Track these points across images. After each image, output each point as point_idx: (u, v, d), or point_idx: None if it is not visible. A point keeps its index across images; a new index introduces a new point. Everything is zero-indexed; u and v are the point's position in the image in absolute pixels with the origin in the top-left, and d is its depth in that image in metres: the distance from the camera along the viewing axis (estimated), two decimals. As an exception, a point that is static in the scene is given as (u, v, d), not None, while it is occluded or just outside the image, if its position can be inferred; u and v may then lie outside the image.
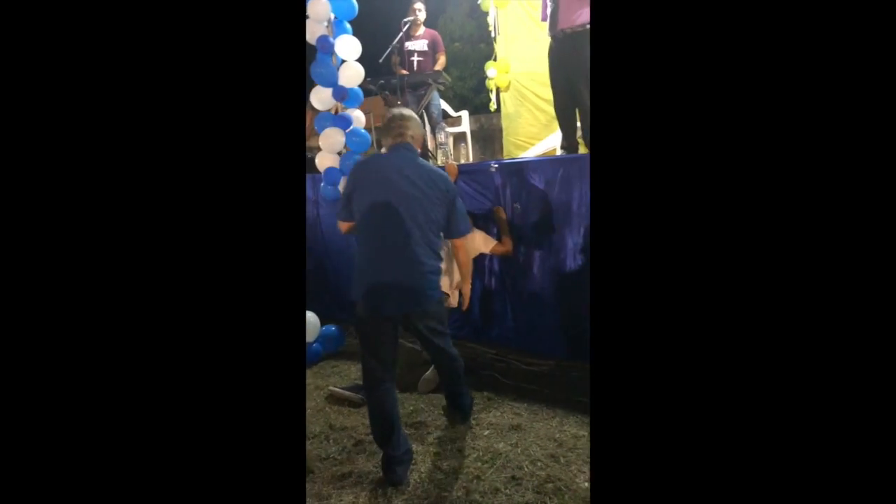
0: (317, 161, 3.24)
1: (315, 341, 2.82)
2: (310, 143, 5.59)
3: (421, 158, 1.83)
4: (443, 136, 3.15)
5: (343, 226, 1.85)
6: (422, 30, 3.94)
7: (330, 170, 3.16)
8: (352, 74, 3.13)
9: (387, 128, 1.86)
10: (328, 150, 3.18)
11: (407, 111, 1.89)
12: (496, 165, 2.77)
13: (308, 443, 1.98)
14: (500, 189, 2.71)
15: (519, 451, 1.83)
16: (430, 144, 3.87)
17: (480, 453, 1.84)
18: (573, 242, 2.54)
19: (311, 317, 2.83)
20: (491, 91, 5.24)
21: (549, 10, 2.73)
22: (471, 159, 4.55)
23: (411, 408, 2.22)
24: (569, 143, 3.02)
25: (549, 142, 4.70)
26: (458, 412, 2.08)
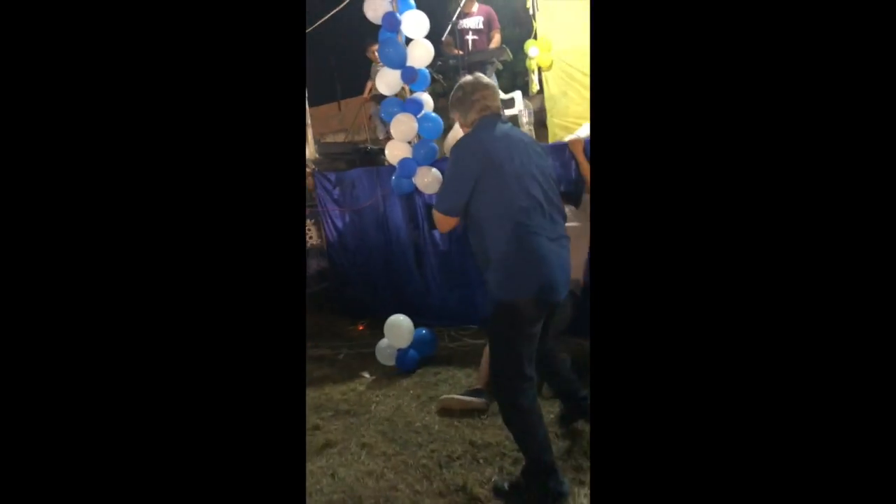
0: (387, 152, 2.97)
1: (410, 347, 2.57)
2: (360, 136, 5.30)
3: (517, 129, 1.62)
4: (526, 116, 2.90)
5: (447, 222, 1.55)
6: (476, 6, 3.67)
7: (405, 161, 2.89)
8: (421, 54, 2.87)
9: (465, 100, 1.60)
10: (400, 138, 2.91)
11: (484, 78, 1.64)
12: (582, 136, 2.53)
13: (455, 468, 1.73)
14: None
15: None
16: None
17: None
18: None
19: (404, 320, 2.58)
20: (532, 72, 4.97)
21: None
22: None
23: (552, 415, 1.98)
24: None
25: (601, 120, 4.47)
26: (580, 413, 1.83)
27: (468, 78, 1.64)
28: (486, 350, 2.22)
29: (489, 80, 1.64)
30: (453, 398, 2.13)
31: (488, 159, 1.46)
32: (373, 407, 2.26)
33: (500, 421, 1.98)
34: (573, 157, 2.50)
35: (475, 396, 2.09)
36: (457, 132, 3.23)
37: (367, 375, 2.60)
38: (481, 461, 1.75)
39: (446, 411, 2.10)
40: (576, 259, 2.28)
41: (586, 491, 1.53)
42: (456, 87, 1.65)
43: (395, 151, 2.94)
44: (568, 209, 2.34)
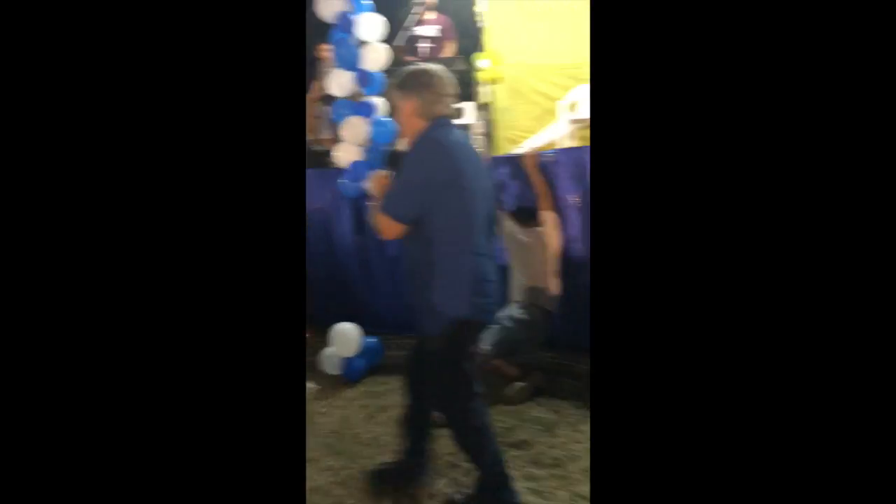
0: (337, 154, 2.89)
1: (357, 356, 2.49)
2: (310, 135, 5.13)
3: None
4: (481, 127, 2.93)
5: (395, 229, 1.39)
6: (433, 14, 3.68)
7: (357, 164, 2.82)
8: (376, 57, 2.82)
9: (434, 90, 1.39)
10: (352, 141, 2.85)
11: (446, 71, 1.45)
12: (552, 155, 2.60)
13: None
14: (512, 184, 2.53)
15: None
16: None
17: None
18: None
19: (351, 329, 2.50)
20: (482, 83, 5.05)
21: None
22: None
23: (504, 425, 1.98)
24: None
25: (547, 134, 4.60)
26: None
27: (437, 67, 1.46)
28: (498, 363, 2.18)
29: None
30: (519, 388, 2.13)
31: (452, 167, 1.35)
32: (317, 419, 2.16)
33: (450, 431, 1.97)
34: (525, 171, 2.54)
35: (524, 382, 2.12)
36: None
37: (310, 385, 2.48)
38: (432, 473, 1.71)
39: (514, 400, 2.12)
40: (532, 270, 2.32)
41: (539, 501, 1.53)
42: (420, 70, 1.43)
43: (346, 154, 2.87)
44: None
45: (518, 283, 2.34)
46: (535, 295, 2.28)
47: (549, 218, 2.41)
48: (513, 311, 2.27)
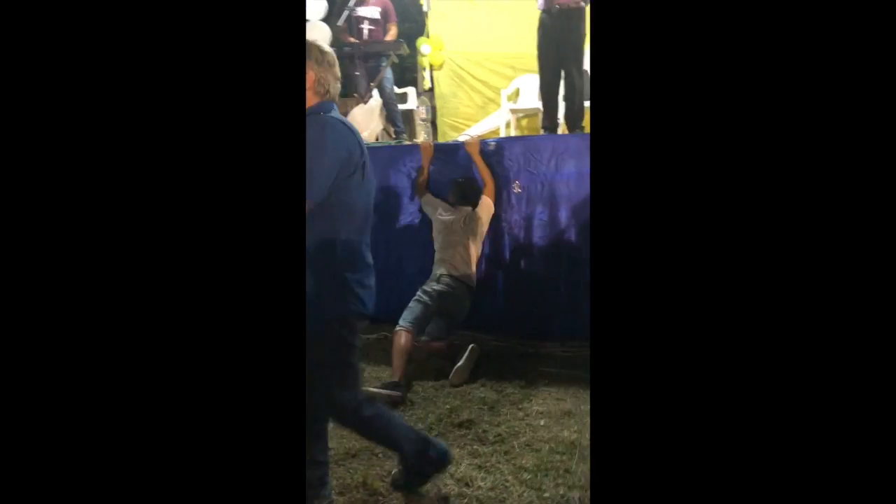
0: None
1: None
2: None
3: None
4: (424, 112, 2.93)
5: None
6: (373, -5, 3.60)
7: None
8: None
9: (332, 70, 1.30)
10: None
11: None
12: (494, 144, 2.65)
13: (353, 464, 1.70)
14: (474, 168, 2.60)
15: (587, 437, 1.78)
16: (380, 122, 3.59)
17: (553, 445, 1.74)
18: (566, 219, 2.55)
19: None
20: (424, 69, 5.03)
21: (543, -17, 2.66)
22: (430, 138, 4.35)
23: (448, 406, 2.04)
24: (551, 123, 3.00)
25: (489, 122, 4.67)
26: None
27: (327, 46, 1.34)
28: (407, 340, 2.21)
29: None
30: (368, 391, 2.09)
31: (358, 150, 1.28)
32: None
33: (398, 414, 1.99)
34: (470, 158, 2.59)
35: (391, 389, 2.09)
36: (353, 120, 3.15)
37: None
38: (380, 455, 1.73)
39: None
40: (465, 252, 2.41)
41: (483, 475, 1.60)
42: (318, 47, 1.31)
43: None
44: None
45: (438, 258, 2.45)
46: (453, 269, 2.39)
47: (484, 202, 2.49)
48: (430, 285, 2.38)
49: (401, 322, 2.26)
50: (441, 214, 2.50)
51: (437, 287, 2.36)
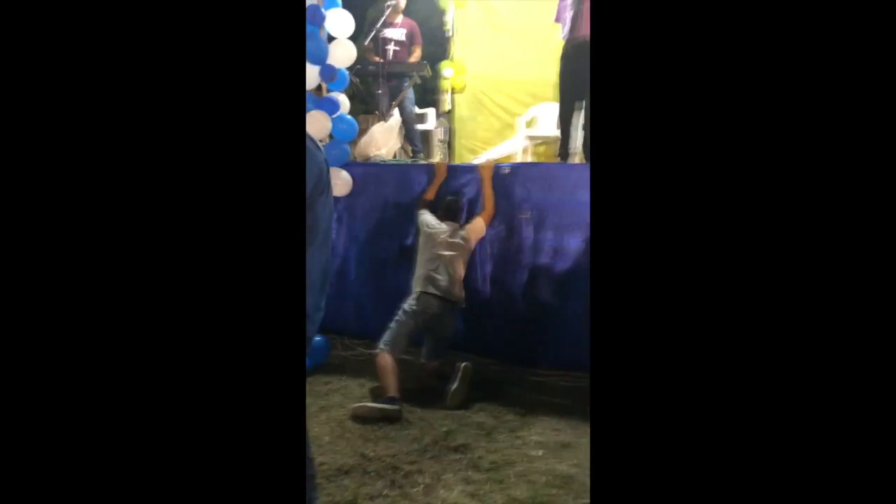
0: (295, 147, 2.84)
1: (301, 354, 2.45)
2: None
3: None
4: (442, 133, 2.96)
5: None
6: (401, 17, 3.69)
7: (314, 158, 2.78)
8: (343, 54, 2.80)
9: None
10: (313, 135, 2.80)
11: None
12: (508, 169, 2.67)
13: (344, 481, 1.68)
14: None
15: (585, 472, 1.74)
16: (398, 141, 3.64)
17: (550, 478, 1.71)
18: (575, 247, 2.55)
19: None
20: (445, 91, 5.11)
21: (567, 14, 2.70)
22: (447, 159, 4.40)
23: (444, 429, 2.01)
24: (566, 151, 3.02)
25: (505, 147, 4.71)
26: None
27: None
28: (388, 360, 2.20)
29: None
30: (366, 406, 2.10)
31: (326, 169, 1.17)
32: (255, 416, 2.10)
33: (392, 433, 1.97)
34: (480, 179, 2.61)
35: (388, 404, 2.08)
36: (372, 137, 3.20)
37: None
38: (372, 474, 1.71)
39: (360, 419, 2.05)
40: (447, 269, 2.39)
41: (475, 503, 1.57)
42: None
43: (305, 148, 2.82)
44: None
45: (417, 274, 2.44)
46: (430, 285, 2.37)
47: (475, 222, 2.52)
48: (408, 303, 2.38)
49: (380, 345, 2.27)
50: (428, 227, 2.49)
51: (413, 306, 2.34)
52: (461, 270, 2.45)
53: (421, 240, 2.51)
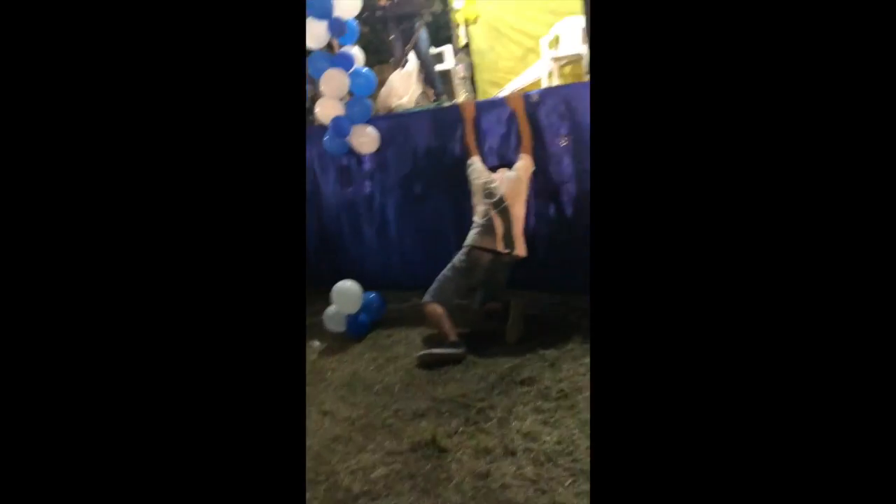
0: (317, 110, 2.81)
1: (360, 312, 2.53)
2: None
3: None
4: (463, 71, 2.85)
5: None
6: (402, -49, 3.48)
7: (338, 119, 2.75)
8: (349, 3, 2.69)
9: None
10: (332, 95, 2.76)
11: None
12: (537, 96, 2.55)
13: (421, 423, 1.76)
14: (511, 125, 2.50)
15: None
16: (418, 86, 3.52)
17: (619, 398, 1.72)
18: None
19: (351, 285, 2.52)
20: (458, 25, 4.86)
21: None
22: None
23: (508, 365, 2.05)
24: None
25: (530, 74, 4.48)
26: None
27: None
28: (436, 308, 2.24)
29: None
30: (431, 353, 2.18)
31: None
32: (328, 374, 2.22)
33: (459, 375, 2.04)
34: (514, 113, 2.50)
35: (451, 348, 2.16)
36: (391, 86, 3.11)
37: (316, 344, 2.53)
38: (446, 414, 1.79)
39: (426, 365, 2.14)
40: (500, 220, 2.32)
41: (549, 430, 1.61)
42: None
43: (327, 110, 2.79)
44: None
45: (473, 226, 2.36)
46: (480, 239, 2.30)
47: (524, 161, 2.39)
48: (457, 258, 2.34)
49: (426, 297, 2.30)
50: (477, 176, 2.41)
51: (463, 262, 2.31)
52: (521, 214, 2.35)
53: (473, 191, 2.42)
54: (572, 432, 1.59)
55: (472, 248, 2.32)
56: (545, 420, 1.67)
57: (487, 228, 2.30)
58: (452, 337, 2.18)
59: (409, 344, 2.37)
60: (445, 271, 2.34)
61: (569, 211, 2.58)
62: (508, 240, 2.32)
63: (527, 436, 1.60)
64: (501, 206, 2.31)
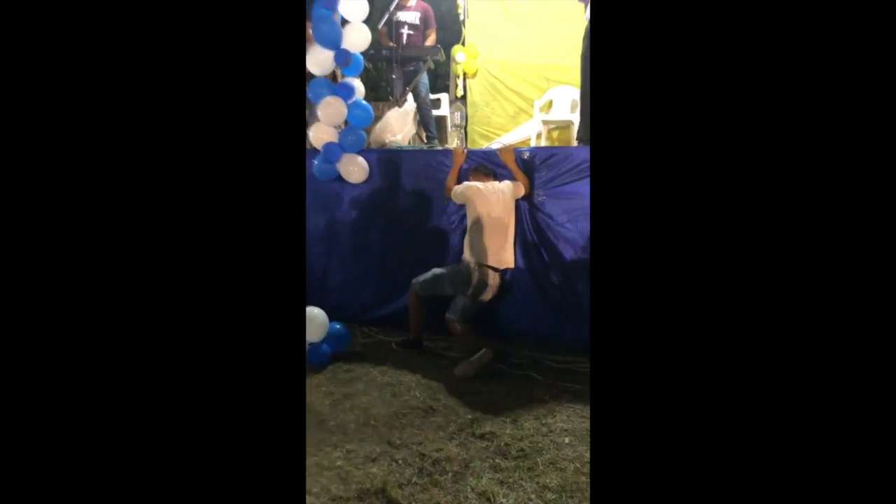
0: (310, 135, 2.80)
1: (323, 341, 2.44)
2: None
3: None
4: (458, 118, 2.91)
5: None
6: (414, 0, 3.62)
7: (330, 146, 2.75)
8: (358, 38, 2.75)
9: None
10: (328, 122, 2.77)
11: None
12: (528, 153, 2.62)
13: (372, 469, 1.66)
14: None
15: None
16: (413, 126, 3.58)
17: (578, 465, 1.68)
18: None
19: (318, 313, 2.44)
20: (458, 77, 5.03)
21: (590, -6, 2.63)
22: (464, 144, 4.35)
23: (469, 416, 1.99)
24: (586, 133, 2.95)
25: (520, 132, 4.64)
26: None
27: None
28: (457, 327, 2.41)
29: None
30: (466, 365, 2.30)
31: None
32: (279, 404, 2.10)
33: (417, 420, 1.96)
34: (504, 165, 2.56)
35: (480, 354, 2.31)
36: (387, 123, 3.15)
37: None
38: (400, 461, 1.70)
39: (466, 378, 2.27)
40: (494, 239, 2.44)
41: (506, 491, 1.55)
42: None
43: (320, 135, 2.79)
44: None
45: (465, 244, 2.51)
46: (473, 253, 2.43)
47: (514, 184, 2.51)
48: (450, 265, 2.53)
49: (447, 314, 2.46)
50: (467, 189, 2.47)
51: (455, 266, 2.51)
52: (510, 230, 2.49)
53: (467, 208, 2.50)
54: (529, 497, 1.53)
55: (462, 259, 2.48)
56: (502, 479, 1.61)
57: (478, 243, 2.43)
58: (482, 346, 2.34)
59: (368, 381, 2.28)
60: (436, 271, 2.50)
61: (543, 265, 2.61)
62: (499, 257, 2.45)
63: (482, 495, 1.53)
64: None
